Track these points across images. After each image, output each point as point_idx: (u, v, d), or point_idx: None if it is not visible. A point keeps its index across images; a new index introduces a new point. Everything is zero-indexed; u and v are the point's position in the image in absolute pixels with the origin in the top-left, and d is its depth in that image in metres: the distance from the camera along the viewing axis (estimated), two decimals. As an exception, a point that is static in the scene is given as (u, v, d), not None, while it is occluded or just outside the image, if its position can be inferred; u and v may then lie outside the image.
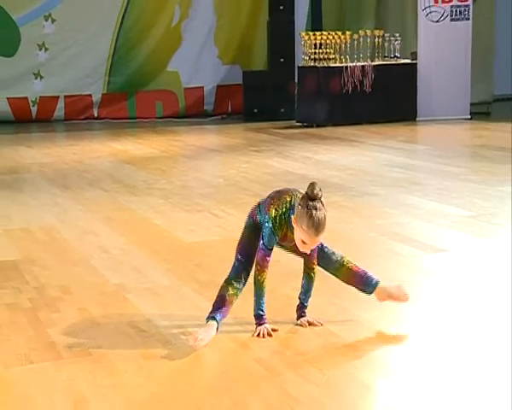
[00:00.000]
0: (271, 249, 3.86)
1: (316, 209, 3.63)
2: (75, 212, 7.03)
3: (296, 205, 3.73)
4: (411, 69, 13.79)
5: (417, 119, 13.69)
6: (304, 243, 3.72)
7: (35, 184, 8.67)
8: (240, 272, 3.93)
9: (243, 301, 3.92)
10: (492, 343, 3.76)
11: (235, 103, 15.44)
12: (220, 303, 3.84)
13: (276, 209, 3.83)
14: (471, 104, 13.91)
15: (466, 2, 13.78)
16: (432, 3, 13.80)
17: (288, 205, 3.83)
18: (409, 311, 4.30)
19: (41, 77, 14.75)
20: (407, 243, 5.67)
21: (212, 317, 3.80)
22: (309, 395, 3.15)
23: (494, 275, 4.90)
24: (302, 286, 4.02)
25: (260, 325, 3.85)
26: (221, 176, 8.94)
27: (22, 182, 8.76)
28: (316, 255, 3.97)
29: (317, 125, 13.14)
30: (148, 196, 7.64)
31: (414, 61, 13.91)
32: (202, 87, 15.67)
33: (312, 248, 3.81)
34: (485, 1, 15.59)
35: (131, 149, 11.32)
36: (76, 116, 14.99)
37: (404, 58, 14.02)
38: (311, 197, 3.67)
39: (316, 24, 15.38)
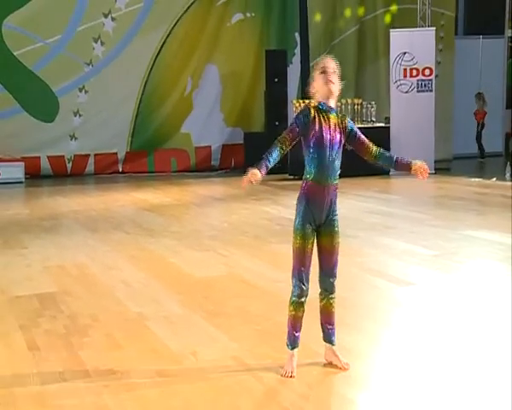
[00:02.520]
0: (298, 122, 3.85)
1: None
2: (102, 251, 7.03)
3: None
4: (385, 131, 13.86)
5: (390, 173, 13.72)
6: (325, 83, 3.78)
7: (69, 228, 8.68)
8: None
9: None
10: (455, 358, 3.76)
11: (238, 159, 15.48)
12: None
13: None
14: (434, 161, 13.98)
15: (429, 77, 13.93)
16: (401, 77, 13.95)
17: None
18: (384, 334, 4.31)
19: (75, 138, 14.81)
20: (383, 277, 5.68)
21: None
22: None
23: (455, 304, 4.90)
24: (378, 160, 4.29)
25: None
26: (225, 221, 8.95)
27: (59, 226, 8.77)
28: (363, 137, 4.08)
29: (307, 178, 13.16)
30: (164, 238, 7.64)
31: (387, 125, 13.99)
32: (210, 146, 15.73)
33: (334, 81, 3.83)
34: (445, 76, 15.76)
35: (150, 198, 11.34)
36: (104, 171, 15.02)
37: (378, 122, 14.09)
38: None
39: (305, 93, 15.48)
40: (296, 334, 3.77)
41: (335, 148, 3.90)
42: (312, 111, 3.80)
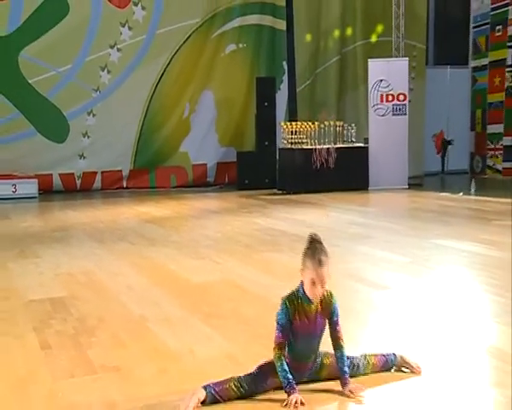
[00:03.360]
0: (283, 328, 3.25)
1: (315, 247, 3.23)
2: (108, 259, 7.01)
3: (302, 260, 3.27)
4: (364, 151, 13.93)
5: (369, 188, 13.79)
6: (313, 283, 3.17)
7: (78, 238, 8.65)
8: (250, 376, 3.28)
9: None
10: (425, 352, 3.76)
11: (231, 176, 15.52)
12: (222, 382, 3.20)
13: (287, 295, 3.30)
14: (408, 177, 14.05)
15: (403, 102, 14.02)
16: (378, 102, 14.02)
17: (295, 290, 3.30)
18: (363, 333, 4.30)
19: (84, 157, 14.81)
20: (361, 282, 5.69)
21: (204, 387, 3.17)
22: None
23: (426, 305, 4.91)
24: (335, 356, 3.33)
25: (290, 394, 3.12)
26: (220, 231, 8.95)
27: (69, 237, 8.74)
28: (339, 328, 3.33)
29: (294, 193, 13.20)
30: (164, 247, 7.63)
31: (366, 145, 14.06)
32: (206, 164, 15.76)
33: (322, 285, 3.19)
34: (417, 102, 15.92)
35: (152, 211, 11.33)
36: (110, 187, 15.03)
37: (358, 142, 14.16)
38: (310, 242, 3.28)
39: (292, 116, 15.56)
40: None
41: (318, 336, 3.33)
42: (291, 312, 3.23)
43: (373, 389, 3.34)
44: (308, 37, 16.15)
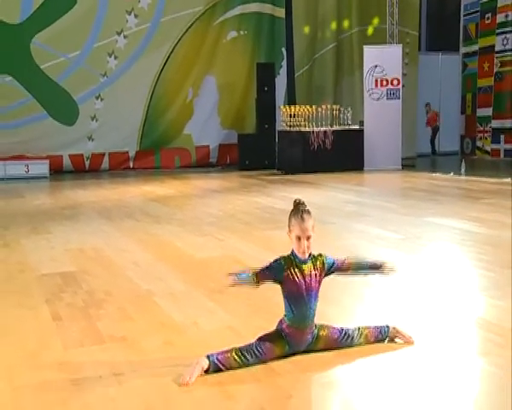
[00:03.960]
0: (270, 268, 3.34)
1: (298, 207, 3.30)
2: (116, 236, 7.01)
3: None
4: (360, 133, 13.89)
5: (364, 168, 13.76)
6: (298, 238, 3.25)
7: (87, 216, 8.64)
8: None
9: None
10: (418, 322, 3.76)
11: (232, 157, 15.50)
12: (224, 352, 3.21)
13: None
14: (402, 158, 14.02)
15: (397, 87, 13.96)
16: (373, 87, 13.96)
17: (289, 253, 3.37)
18: (358, 307, 4.30)
19: (92, 139, 14.80)
20: (357, 257, 5.67)
21: (207, 356, 3.17)
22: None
23: (419, 281, 4.91)
24: (358, 268, 3.69)
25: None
26: (221, 210, 8.94)
27: (79, 215, 8.74)
28: (345, 262, 3.55)
29: (292, 173, 13.18)
30: (168, 225, 7.62)
31: (361, 127, 14.01)
32: (208, 145, 15.74)
33: (307, 239, 3.26)
34: (410, 86, 15.85)
35: (157, 190, 11.32)
36: (117, 167, 15.02)
37: (354, 125, 14.12)
38: (294, 205, 3.35)
39: (291, 100, 15.50)
40: None
41: (312, 298, 3.31)
42: (285, 266, 3.29)
43: (365, 359, 3.34)
44: (306, 25, 16.04)
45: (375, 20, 16.21)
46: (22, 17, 14.04)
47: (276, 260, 3.34)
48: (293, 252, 3.34)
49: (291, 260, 3.32)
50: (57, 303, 4.46)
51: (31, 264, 5.73)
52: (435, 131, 17.22)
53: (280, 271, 3.29)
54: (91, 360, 3.40)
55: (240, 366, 3.18)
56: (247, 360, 3.19)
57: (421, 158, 16.02)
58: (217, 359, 3.15)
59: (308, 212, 3.30)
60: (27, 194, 11.17)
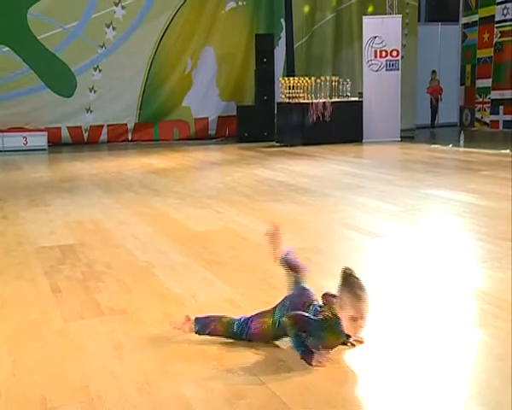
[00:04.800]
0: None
1: (351, 281, 2.90)
2: (115, 208, 7.00)
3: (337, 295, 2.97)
4: (358, 105, 13.81)
5: (363, 140, 13.71)
6: (353, 319, 2.85)
7: (86, 188, 8.63)
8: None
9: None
10: (417, 293, 3.76)
11: (232, 129, 15.44)
12: (214, 318, 3.23)
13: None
14: (400, 130, 13.97)
15: (396, 58, 13.85)
16: (372, 58, 13.84)
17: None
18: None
19: (91, 111, 14.73)
20: (355, 230, 5.67)
21: (197, 318, 3.24)
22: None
23: (418, 253, 4.90)
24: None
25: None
26: (221, 182, 8.91)
27: (77, 187, 8.72)
28: None
29: (291, 145, 13.13)
30: (167, 198, 7.60)
31: (360, 99, 13.93)
32: (207, 117, 15.67)
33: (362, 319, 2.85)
34: (410, 57, 15.74)
35: (155, 162, 11.29)
36: (115, 139, 14.98)
37: (353, 96, 14.03)
38: (344, 278, 2.92)
39: (290, 72, 15.38)
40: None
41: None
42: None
43: (366, 335, 3.35)
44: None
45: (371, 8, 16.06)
46: (18, -13, 13.89)
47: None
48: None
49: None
50: (56, 276, 4.47)
51: (29, 236, 5.72)
52: (436, 102, 16.93)
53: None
54: (91, 332, 3.41)
55: (224, 336, 3.18)
56: (233, 333, 3.16)
57: (419, 130, 15.95)
58: (205, 322, 3.19)
59: (361, 287, 2.87)
60: (26, 166, 11.13)
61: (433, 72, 16.62)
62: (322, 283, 4.13)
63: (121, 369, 2.95)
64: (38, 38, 14.04)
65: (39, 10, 13.99)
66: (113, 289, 4.14)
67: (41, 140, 13.66)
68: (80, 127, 14.70)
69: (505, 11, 15.47)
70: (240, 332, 3.15)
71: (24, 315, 3.69)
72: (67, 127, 14.54)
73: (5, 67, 13.74)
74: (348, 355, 3.06)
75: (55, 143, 14.12)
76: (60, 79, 14.35)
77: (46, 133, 13.82)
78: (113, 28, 14.68)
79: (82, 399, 2.68)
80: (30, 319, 3.63)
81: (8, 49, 13.86)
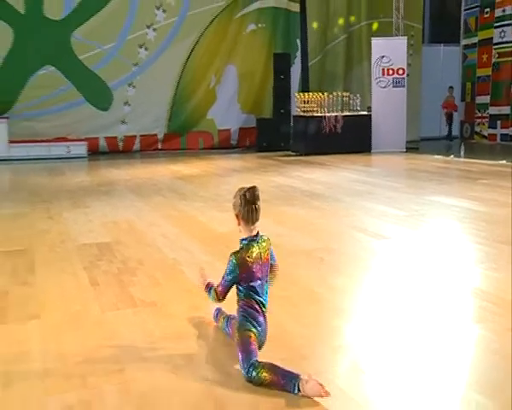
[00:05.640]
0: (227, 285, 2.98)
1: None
2: (146, 211, 7.04)
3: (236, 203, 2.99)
4: (367, 118, 13.75)
5: (371, 151, 13.65)
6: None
7: (121, 192, 8.69)
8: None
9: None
10: (421, 292, 3.75)
11: (251, 139, 15.45)
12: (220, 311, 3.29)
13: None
14: (406, 142, 13.88)
15: (402, 76, 13.79)
16: (380, 75, 13.78)
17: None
18: (365, 277, 4.29)
19: (125, 123, 14.81)
20: (364, 232, 5.65)
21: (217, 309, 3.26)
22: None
23: (421, 254, 4.88)
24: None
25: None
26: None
27: (113, 191, 8.78)
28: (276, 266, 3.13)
29: (305, 155, 13.11)
30: (193, 201, 7.63)
31: (369, 113, 13.86)
32: (229, 129, 15.69)
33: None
34: (415, 75, 15.63)
35: (183, 169, 11.34)
36: (147, 148, 15.04)
37: (362, 110, 13.98)
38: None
39: (304, 87, 15.36)
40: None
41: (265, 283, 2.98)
42: (237, 259, 2.94)
43: (372, 326, 3.34)
44: (318, 19, 15.85)
45: (375, 25, 15.98)
46: (64, 14, 14.10)
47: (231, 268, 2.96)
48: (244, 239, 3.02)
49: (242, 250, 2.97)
50: (95, 270, 4.51)
51: (71, 235, 5.78)
52: (450, 117, 16.55)
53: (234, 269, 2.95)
54: (125, 322, 3.44)
55: (222, 326, 3.19)
56: (225, 326, 3.14)
57: (424, 141, 15.84)
58: (217, 311, 3.28)
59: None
60: (68, 172, 11.25)
61: (450, 88, 16.41)
62: (334, 280, 4.14)
63: (152, 355, 2.97)
64: (80, 57, 14.18)
65: (81, 33, 14.15)
66: (144, 284, 4.17)
67: (81, 149, 13.78)
68: (116, 137, 14.80)
69: (502, 34, 15.35)
70: (227, 329, 3.13)
71: (66, 306, 3.73)
72: (104, 137, 14.64)
73: (51, 84, 13.90)
74: (357, 348, 3.05)
75: (94, 152, 14.22)
76: (98, 94, 14.46)
77: (86, 143, 13.93)
78: (146, 48, 14.77)
79: (118, 381, 2.71)
80: (72, 309, 3.67)
81: (53, 68, 14.02)
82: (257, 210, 2.99)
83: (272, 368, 2.57)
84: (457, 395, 2.56)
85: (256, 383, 2.59)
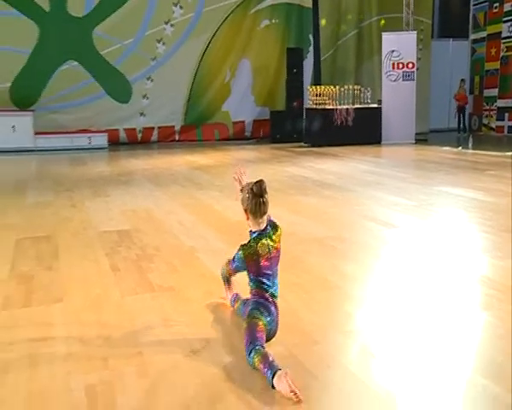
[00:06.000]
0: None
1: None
2: (164, 199, 7.05)
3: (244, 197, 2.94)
4: (378, 111, 13.65)
5: (381, 142, 13.56)
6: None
7: (139, 182, 8.71)
8: None
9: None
10: (430, 277, 3.72)
11: (265, 131, 15.41)
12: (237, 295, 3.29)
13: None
14: (415, 133, 13.76)
15: (412, 70, 13.64)
16: (390, 69, 13.66)
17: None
18: (375, 264, 4.26)
19: (144, 115, 14.84)
20: (374, 221, 5.62)
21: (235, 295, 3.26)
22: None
23: (429, 243, 4.84)
24: None
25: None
26: (255, 177, 8.86)
27: (132, 181, 8.81)
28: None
29: (318, 146, 13.05)
30: (209, 190, 7.63)
31: (379, 106, 13.76)
32: (244, 121, 15.66)
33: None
34: (424, 69, 15.47)
35: (199, 160, 11.34)
36: (164, 139, 15.07)
37: (373, 103, 13.87)
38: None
39: (317, 81, 15.28)
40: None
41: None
42: (244, 254, 2.91)
43: (381, 312, 3.32)
44: (330, 14, 15.73)
45: (383, 21, 15.83)
46: (86, 11, 14.13)
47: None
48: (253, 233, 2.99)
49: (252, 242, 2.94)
50: (115, 256, 4.53)
51: (93, 222, 5.81)
52: (461, 110, 16.18)
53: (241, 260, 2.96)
54: (144, 306, 3.45)
55: (238, 312, 3.17)
56: (242, 310, 3.08)
57: (432, 133, 15.69)
58: (236, 295, 3.26)
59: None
60: (90, 162, 11.30)
61: (462, 80, 16.16)
62: (345, 267, 4.12)
63: (169, 339, 2.98)
64: (101, 53, 14.22)
65: (102, 30, 14.18)
66: (162, 270, 4.18)
67: (102, 140, 13.83)
68: (135, 129, 14.84)
69: (511, 28, 15.11)
70: (243, 312, 3.04)
71: (88, 290, 3.75)
72: (124, 129, 14.69)
73: (74, 78, 13.96)
74: (367, 333, 3.04)
75: (114, 143, 14.27)
76: (118, 87, 14.50)
77: (106, 134, 13.98)
78: (164, 43, 14.76)
79: (136, 363, 2.72)
80: (93, 293, 3.69)
81: (76, 63, 14.08)
82: (264, 203, 2.93)
83: (263, 357, 2.53)
84: (464, 379, 2.54)
85: (252, 367, 2.58)
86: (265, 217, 2.98)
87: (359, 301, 3.50)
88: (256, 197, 2.90)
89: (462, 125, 15.67)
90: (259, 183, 2.93)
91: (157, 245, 4.84)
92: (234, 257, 3.01)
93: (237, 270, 3.05)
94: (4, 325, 3.21)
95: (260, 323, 2.77)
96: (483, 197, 6.71)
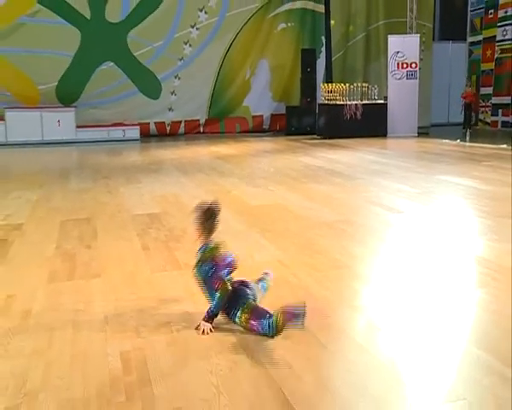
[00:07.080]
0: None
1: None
2: (189, 186, 7.05)
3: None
4: (384, 106, 13.46)
5: (387, 135, 13.41)
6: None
7: (168, 170, 8.73)
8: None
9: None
10: (431, 258, 3.67)
11: (281, 124, 15.31)
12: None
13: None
14: (418, 127, 13.59)
15: (415, 69, 13.43)
16: (395, 69, 13.46)
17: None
18: (381, 246, 4.22)
19: (172, 110, 14.85)
20: (381, 207, 5.57)
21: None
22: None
23: (431, 227, 4.78)
24: None
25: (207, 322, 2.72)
26: (272, 166, 8.87)
27: (161, 169, 8.83)
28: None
29: (329, 138, 12.93)
30: (230, 178, 7.62)
31: (385, 102, 13.58)
32: (262, 115, 15.59)
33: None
34: (426, 69, 15.23)
35: (221, 150, 11.32)
36: (190, 132, 15.07)
37: (379, 100, 13.69)
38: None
39: (328, 79, 15.11)
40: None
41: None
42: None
43: (386, 289, 3.28)
44: (341, 19, 15.53)
45: (388, 25, 15.57)
46: (122, 17, 14.16)
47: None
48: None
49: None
50: (146, 237, 4.55)
51: (126, 206, 5.84)
52: (468, 107, 15.62)
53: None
54: (172, 282, 3.46)
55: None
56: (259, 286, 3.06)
57: (434, 127, 15.46)
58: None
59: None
60: (124, 153, 11.34)
61: (467, 79, 15.82)
62: (353, 248, 4.09)
63: (195, 311, 2.98)
64: (134, 54, 14.25)
65: (135, 33, 14.19)
66: (188, 249, 4.14)
67: (135, 133, 13.88)
68: (164, 122, 14.86)
69: (504, 32, 14.91)
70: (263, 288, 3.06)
71: (122, 267, 3.78)
72: (154, 122, 14.72)
73: (111, 77, 14.02)
74: (373, 307, 3.01)
75: (145, 135, 14.30)
76: (149, 85, 14.52)
77: (138, 127, 14.01)
78: (190, 45, 14.72)
79: (165, 332, 2.73)
80: (126, 270, 3.71)
81: (112, 63, 14.13)
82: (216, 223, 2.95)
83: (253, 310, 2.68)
84: (460, 350, 2.51)
85: (273, 331, 2.61)
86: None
87: (366, 279, 3.47)
88: (213, 218, 2.96)
89: (469, 121, 15.18)
90: (211, 207, 2.98)
91: (184, 227, 4.84)
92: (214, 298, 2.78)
93: (218, 284, 2.81)
94: (51, 295, 3.25)
95: (254, 303, 2.77)
96: (480, 186, 6.60)
